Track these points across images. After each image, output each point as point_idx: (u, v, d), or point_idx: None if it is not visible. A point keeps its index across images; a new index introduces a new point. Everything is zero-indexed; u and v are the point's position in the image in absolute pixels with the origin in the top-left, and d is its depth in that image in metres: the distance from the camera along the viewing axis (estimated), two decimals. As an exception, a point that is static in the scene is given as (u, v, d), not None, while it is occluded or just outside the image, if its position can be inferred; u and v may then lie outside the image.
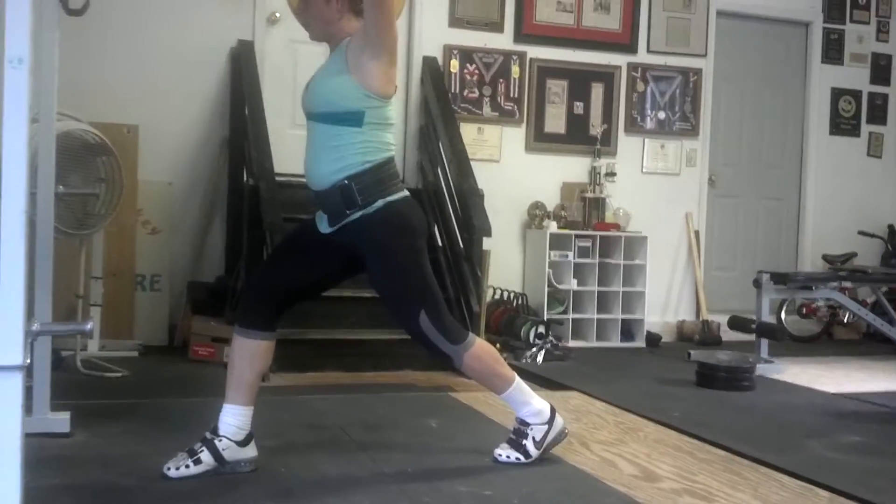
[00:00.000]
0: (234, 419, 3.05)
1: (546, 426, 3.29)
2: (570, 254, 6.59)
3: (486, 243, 5.63)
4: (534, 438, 3.28)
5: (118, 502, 2.80)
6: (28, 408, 3.15)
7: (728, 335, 6.71)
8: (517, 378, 3.29)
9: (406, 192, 3.13)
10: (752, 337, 5.90)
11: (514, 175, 6.79)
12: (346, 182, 2.97)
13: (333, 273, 3.23)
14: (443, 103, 6.28)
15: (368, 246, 3.04)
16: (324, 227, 3.10)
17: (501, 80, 6.83)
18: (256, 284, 3.23)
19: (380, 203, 3.01)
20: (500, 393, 3.29)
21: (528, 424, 3.29)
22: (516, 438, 3.31)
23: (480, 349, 3.19)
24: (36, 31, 3.13)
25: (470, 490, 2.97)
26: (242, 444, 3.07)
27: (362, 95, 2.96)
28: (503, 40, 6.84)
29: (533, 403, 3.29)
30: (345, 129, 2.97)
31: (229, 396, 3.08)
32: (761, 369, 5.44)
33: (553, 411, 3.33)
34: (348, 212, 3.00)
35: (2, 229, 1.55)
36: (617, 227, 6.79)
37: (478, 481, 3.07)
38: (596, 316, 6.64)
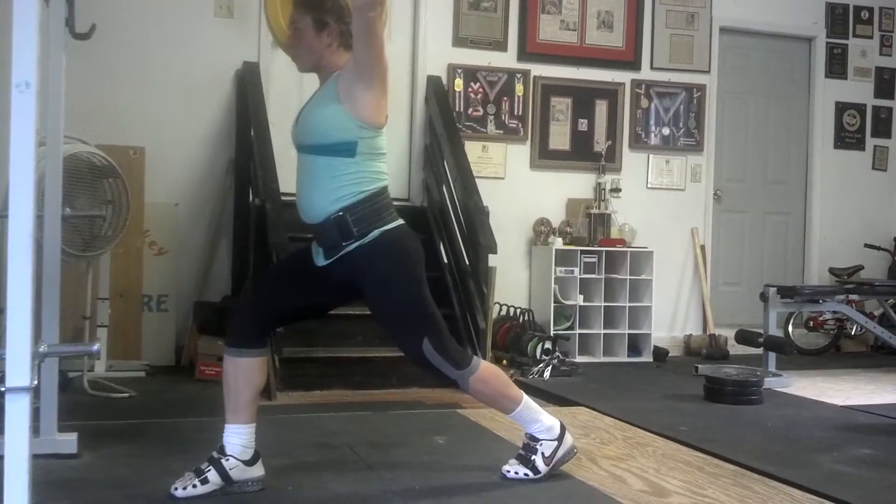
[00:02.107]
0: (238, 438, 3.05)
1: (556, 442, 3.29)
2: (576, 269, 6.59)
3: (492, 260, 5.63)
4: (543, 454, 3.27)
5: (126, 523, 2.81)
6: (35, 429, 3.14)
7: (735, 349, 6.69)
8: (525, 397, 3.28)
9: (401, 221, 3.09)
10: (760, 351, 5.89)
11: (519, 192, 6.80)
12: (341, 213, 2.95)
13: (326, 301, 3.22)
14: (447, 122, 6.30)
15: (367, 277, 3.01)
16: (319, 260, 3.06)
17: (505, 99, 6.86)
18: (245, 307, 3.18)
19: (375, 233, 2.98)
20: (508, 413, 3.28)
21: (538, 440, 3.28)
22: (525, 454, 3.30)
23: (486, 372, 3.18)
24: (43, 56, 3.16)
25: (478, 507, 2.96)
26: (249, 463, 3.07)
27: (355, 126, 2.94)
28: (507, 59, 6.87)
29: (542, 420, 3.29)
30: (338, 159, 2.96)
31: (229, 417, 3.08)
32: (769, 383, 5.42)
33: (563, 429, 3.33)
34: (344, 243, 2.98)
35: (9, 252, 1.56)
36: (623, 242, 6.79)
37: (486, 498, 3.06)
38: (602, 331, 6.64)
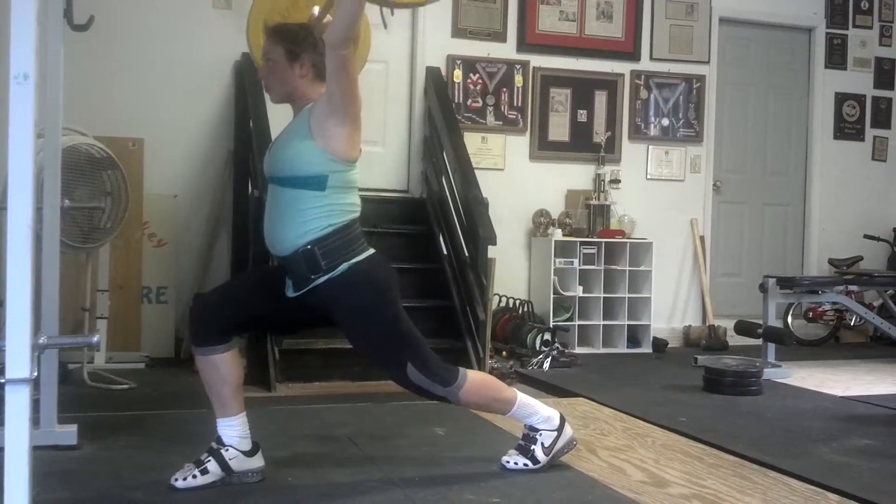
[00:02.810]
0: (232, 430, 3.06)
1: (556, 433, 3.29)
2: (576, 261, 6.59)
3: (492, 252, 5.63)
4: (543, 444, 3.28)
5: (127, 514, 2.81)
6: (35, 420, 3.15)
7: (734, 340, 6.70)
8: (518, 396, 3.27)
9: (371, 251, 3.04)
10: (759, 341, 5.89)
11: (518, 183, 6.80)
12: (309, 247, 2.91)
13: (294, 323, 3.21)
14: (447, 113, 6.30)
15: (340, 310, 2.99)
16: (289, 291, 3.03)
17: (505, 90, 6.85)
18: (204, 309, 3.13)
19: (344, 266, 2.94)
20: (505, 414, 3.29)
21: (537, 430, 3.29)
22: (525, 444, 3.31)
23: (474, 383, 3.14)
24: (41, 47, 3.15)
25: (478, 498, 2.97)
26: (249, 453, 3.08)
27: (326, 160, 2.91)
28: (506, 50, 6.86)
29: (541, 412, 3.29)
30: (307, 192, 2.92)
31: (217, 412, 3.08)
32: (768, 374, 5.43)
33: (563, 420, 3.34)
34: (313, 277, 2.94)
35: (8, 243, 1.56)
36: (622, 233, 6.79)
37: (486, 489, 3.07)
38: (602, 322, 6.64)
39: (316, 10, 3.24)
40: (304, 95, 3.02)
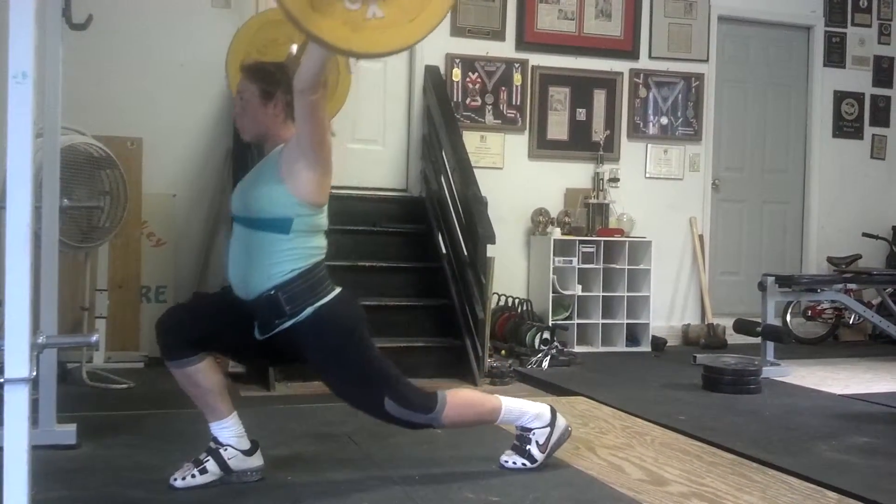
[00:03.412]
0: (227, 431, 3.06)
1: (548, 428, 3.29)
2: (575, 259, 6.59)
3: (491, 250, 5.63)
4: (537, 442, 3.28)
5: (126, 513, 2.82)
6: (34, 420, 3.15)
7: (733, 338, 6.70)
8: (503, 402, 3.24)
9: (336, 291, 2.96)
10: (758, 340, 5.89)
11: (517, 182, 6.80)
12: (273, 292, 2.85)
13: (262, 356, 3.17)
14: (445, 112, 6.29)
15: (309, 352, 2.95)
16: (256, 333, 2.96)
17: (503, 88, 6.85)
18: (172, 324, 3.04)
19: (309, 311, 2.87)
20: (494, 423, 3.29)
21: (529, 430, 3.29)
22: (520, 444, 3.31)
23: (455, 403, 3.10)
24: (39, 46, 3.15)
25: (477, 497, 2.97)
26: (248, 452, 3.08)
27: (293, 203, 2.87)
28: (505, 48, 6.86)
29: (529, 411, 3.28)
30: (271, 235, 2.87)
31: (208, 418, 3.07)
32: (767, 372, 5.43)
33: (553, 413, 3.33)
34: (277, 322, 2.88)
35: (7, 243, 1.56)
36: (621, 232, 6.79)
37: (485, 487, 3.07)
38: (601, 321, 6.64)
39: (294, 48, 3.20)
40: (276, 135, 2.99)
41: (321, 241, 3.00)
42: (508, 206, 6.66)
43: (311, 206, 2.90)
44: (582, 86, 7.05)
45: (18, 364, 1.54)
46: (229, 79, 3.23)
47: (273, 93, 2.96)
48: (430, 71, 6.60)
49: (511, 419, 3.27)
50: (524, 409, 3.28)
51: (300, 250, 2.91)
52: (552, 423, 3.30)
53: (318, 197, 2.92)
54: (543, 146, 6.96)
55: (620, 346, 6.64)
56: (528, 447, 3.28)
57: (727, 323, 6.72)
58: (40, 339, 1.64)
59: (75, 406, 3.89)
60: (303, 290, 2.88)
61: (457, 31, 6.73)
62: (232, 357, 3.26)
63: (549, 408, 3.33)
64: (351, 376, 2.98)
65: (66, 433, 3.45)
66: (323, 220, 2.99)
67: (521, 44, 6.89)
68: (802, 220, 7.82)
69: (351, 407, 3.11)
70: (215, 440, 3.05)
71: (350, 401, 3.08)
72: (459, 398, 3.16)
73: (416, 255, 6.17)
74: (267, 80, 2.97)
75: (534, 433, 3.28)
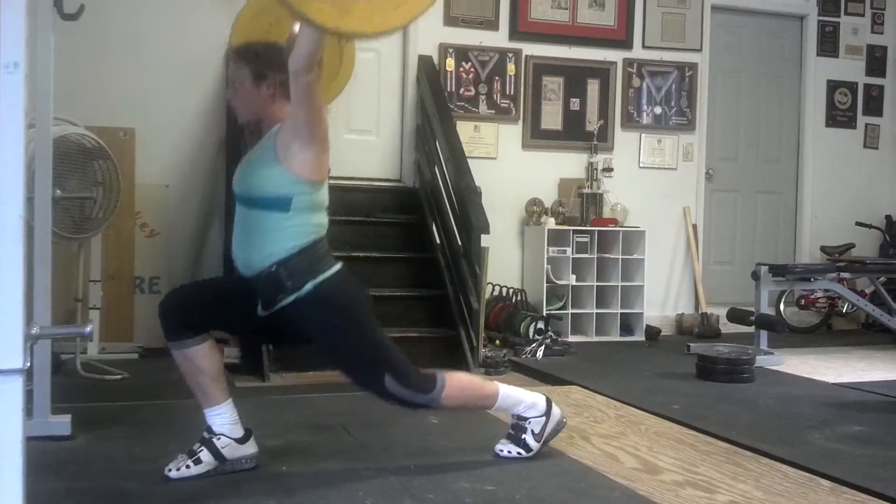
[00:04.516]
0: (220, 418, 3.05)
1: (543, 418, 3.30)
2: (569, 249, 6.60)
3: (485, 240, 5.63)
4: (532, 431, 3.29)
5: (121, 504, 2.81)
6: (29, 411, 3.15)
7: (727, 328, 6.72)
8: (500, 388, 3.26)
9: (338, 267, 2.98)
10: (752, 329, 5.91)
11: (511, 172, 6.79)
12: (274, 269, 2.88)
13: (264, 335, 3.18)
14: (439, 102, 6.28)
15: (311, 329, 2.97)
16: (259, 310, 2.99)
17: (497, 78, 6.84)
18: (174, 305, 3.06)
19: (310, 286, 2.89)
20: (490, 409, 3.30)
21: (525, 419, 3.29)
22: (515, 433, 3.31)
23: (453, 385, 3.11)
24: (31, 36, 3.14)
25: (473, 486, 2.98)
26: (242, 440, 3.08)
27: (290, 182, 2.88)
28: (498, 38, 6.85)
29: (525, 399, 3.29)
30: (271, 213, 2.89)
31: (202, 403, 3.07)
32: (761, 361, 5.45)
33: (549, 402, 3.34)
34: (279, 297, 2.91)
35: (0, 234, 1.55)
36: (615, 222, 6.79)
37: (480, 477, 3.07)
38: (595, 311, 6.66)
39: (297, 28, 3.20)
40: (271, 116, 2.99)
41: (322, 218, 3.01)
42: (502, 196, 6.66)
43: (309, 184, 2.91)
44: (575, 75, 7.04)
45: (12, 355, 1.54)
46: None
47: (265, 73, 2.96)
48: (424, 61, 6.58)
49: (507, 406, 3.28)
50: (521, 397, 3.29)
51: (300, 227, 2.92)
52: (548, 413, 3.31)
53: (316, 174, 2.93)
54: (537, 136, 6.96)
55: (614, 336, 6.66)
56: (523, 436, 3.29)
57: (721, 312, 6.73)
58: (34, 330, 1.63)
59: (69, 397, 3.88)
60: (304, 265, 2.90)
61: (450, 20, 6.72)
62: (236, 336, 3.25)
63: (544, 397, 3.34)
64: (352, 352, 3.00)
65: (61, 424, 3.44)
66: (323, 196, 3.00)
67: (515, 33, 6.87)
68: (796, 209, 7.84)
69: (351, 383, 3.13)
70: (209, 429, 3.05)
71: (351, 377, 3.10)
72: (458, 381, 3.19)
73: (411, 245, 6.17)
74: (257, 61, 2.97)
75: (529, 422, 3.29)
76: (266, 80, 2.96)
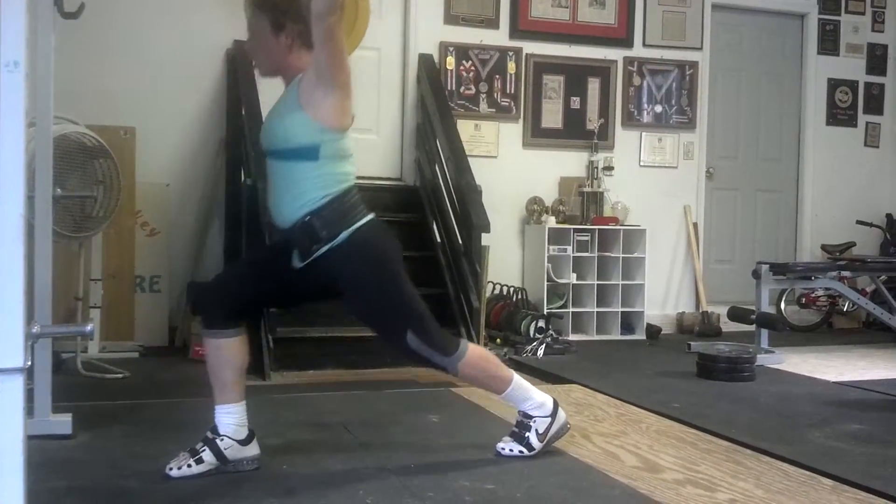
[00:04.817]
0: (230, 418, 3.06)
1: (549, 419, 3.30)
2: (569, 248, 6.60)
3: (485, 239, 5.64)
4: (537, 431, 3.29)
5: (121, 503, 2.81)
6: (30, 410, 3.14)
7: (728, 326, 6.72)
8: (515, 376, 3.29)
9: (371, 216, 3.04)
10: (752, 328, 5.91)
11: (511, 171, 6.79)
12: (308, 218, 2.92)
13: (300, 295, 3.19)
14: (439, 101, 6.28)
15: (342, 279, 3.00)
16: (295, 261, 3.03)
17: (497, 77, 6.83)
18: (214, 289, 3.16)
19: (344, 235, 2.94)
20: (500, 393, 3.29)
21: (531, 417, 3.30)
22: (519, 431, 3.31)
23: (474, 355, 3.17)
24: (31, 35, 3.14)
25: (473, 485, 2.98)
26: (244, 442, 3.08)
27: (316, 130, 2.90)
28: (499, 36, 6.84)
29: (534, 397, 3.30)
30: (301, 164, 2.92)
31: (217, 398, 3.07)
32: (761, 359, 5.45)
33: (556, 405, 3.34)
34: (314, 248, 2.96)
35: (0, 233, 1.55)
36: (615, 220, 6.79)
37: (481, 476, 3.07)
38: (596, 309, 6.65)
39: None
40: (292, 66, 3.00)
41: (350, 168, 3.04)
42: (503, 195, 6.66)
43: (334, 131, 2.94)
44: (576, 74, 7.04)
45: (13, 353, 1.54)
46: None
47: (283, 23, 2.96)
48: (424, 59, 6.58)
49: (516, 397, 3.28)
50: (531, 393, 3.30)
51: (330, 176, 2.96)
52: (553, 415, 3.31)
53: (341, 121, 2.96)
54: (538, 134, 6.96)
55: (615, 335, 6.66)
56: (527, 434, 3.28)
57: (721, 311, 6.74)
58: (35, 329, 1.63)
59: (70, 396, 3.88)
60: (336, 215, 2.95)
61: (450, 18, 6.72)
62: (276, 307, 3.30)
63: (551, 399, 3.35)
64: (379, 304, 3.04)
65: (62, 423, 3.44)
66: (348, 143, 3.03)
67: (515, 32, 6.87)
68: (796, 207, 7.84)
69: (376, 335, 3.19)
70: (213, 429, 3.05)
71: (375, 329, 3.16)
72: (479, 353, 3.24)
73: (411, 244, 6.15)
74: (276, 10, 2.97)
75: (535, 421, 3.29)
76: (284, 29, 2.96)
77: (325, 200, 2.94)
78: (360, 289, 3.03)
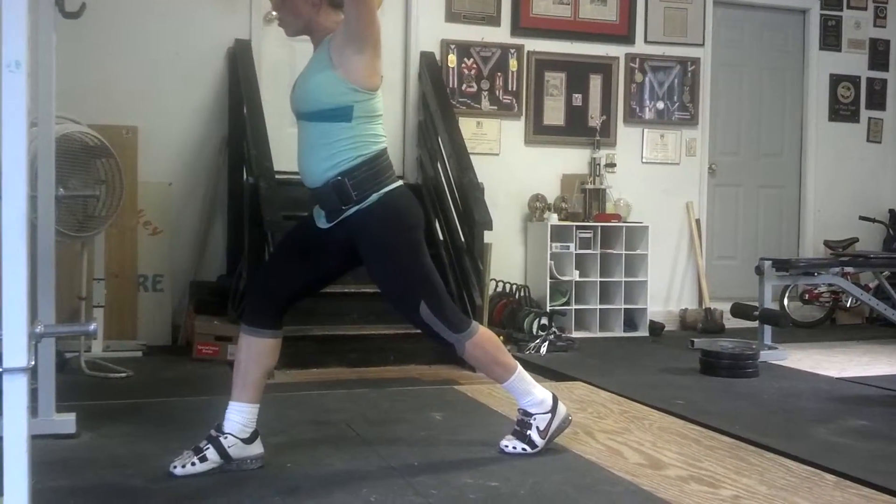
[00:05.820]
0: (239, 417, 3.06)
1: (549, 415, 3.30)
2: (572, 245, 6.60)
3: (488, 237, 5.63)
4: (538, 428, 3.29)
5: (125, 502, 2.81)
6: (33, 409, 3.15)
7: (731, 323, 6.72)
8: (519, 367, 3.30)
9: (400, 182, 3.11)
10: (755, 324, 5.90)
11: (513, 168, 6.79)
12: (340, 178, 2.95)
13: (334, 268, 3.23)
14: (441, 98, 6.28)
15: (366, 241, 3.04)
16: (322, 222, 3.08)
17: (499, 74, 6.83)
18: (261, 285, 3.22)
19: (374, 197, 2.99)
20: (502, 382, 3.30)
21: (531, 415, 3.30)
22: (520, 429, 3.32)
23: (483, 337, 3.20)
24: (33, 35, 3.13)
25: (476, 482, 2.98)
26: (248, 441, 3.08)
27: (349, 90, 2.93)
28: (500, 34, 6.84)
29: (535, 393, 3.30)
30: (335, 125, 2.95)
31: (235, 394, 3.09)
32: (765, 356, 5.44)
33: (555, 400, 3.35)
34: (344, 207, 2.99)
35: (3, 232, 1.56)
36: (618, 217, 6.79)
37: (484, 473, 3.08)
38: (598, 306, 6.65)
39: None
40: (320, 26, 3.01)
41: (381, 129, 3.06)
42: (505, 193, 6.66)
43: (366, 91, 2.96)
44: (578, 71, 7.03)
45: (17, 353, 1.54)
46: None
47: None
48: (426, 57, 6.58)
49: (517, 390, 3.29)
50: (532, 389, 3.31)
51: (363, 137, 2.99)
52: (553, 410, 3.32)
53: (372, 79, 2.97)
54: (540, 132, 6.95)
55: (618, 332, 6.65)
56: (528, 432, 3.29)
57: (724, 307, 6.73)
58: (38, 329, 1.64)
59: (74, 395, 3.89)
60: (368, 176, 2.98)
61: (452, 16, 6.71)
62: (313, 292, 3.34)
63: (551, 395, 3.35)
64: (397, 273, 3.07)
65: (66, 422, 3.45)
66: (380, 104, 3.05)
67: (517, 29, 6.87)
68: (799, 203, 7.83)
69: (390, 304, 3.22)
70: (218, 427, 3.06)
71: (389, 296, 3.18)
72: (489, 337, 3.26)
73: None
74: None
75: (535, 418, 3.29)
76: None
77: (358, 161, 2.97)
78: (382, 253, 3.05)
